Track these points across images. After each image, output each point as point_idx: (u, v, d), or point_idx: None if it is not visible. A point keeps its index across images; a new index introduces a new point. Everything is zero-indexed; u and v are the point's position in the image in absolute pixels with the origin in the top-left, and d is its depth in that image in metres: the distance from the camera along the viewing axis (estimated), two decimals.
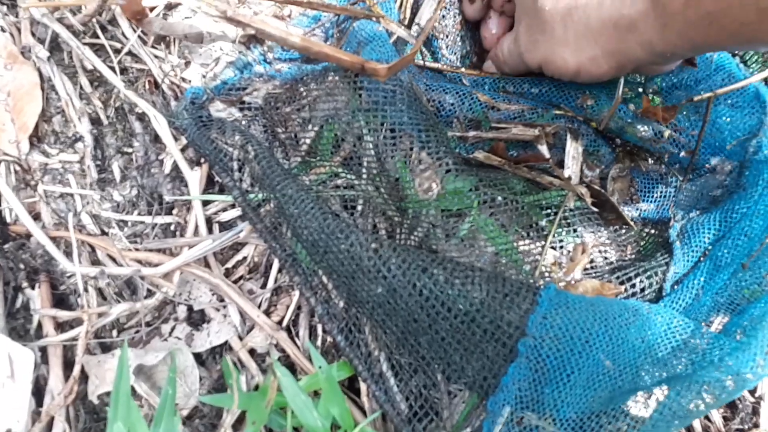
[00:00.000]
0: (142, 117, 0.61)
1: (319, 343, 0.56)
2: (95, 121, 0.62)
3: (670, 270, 0.55)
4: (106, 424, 0.52)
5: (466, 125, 0.60)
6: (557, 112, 0.58)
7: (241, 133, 0.58)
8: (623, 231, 0.61)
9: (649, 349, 0.49)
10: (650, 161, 0.61)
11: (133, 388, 0.52)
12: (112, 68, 0.62)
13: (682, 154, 0.58)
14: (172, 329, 0.57)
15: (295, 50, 0.57)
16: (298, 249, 0.56)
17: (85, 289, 0.55)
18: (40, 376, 0.53)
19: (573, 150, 0.57)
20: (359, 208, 0.58)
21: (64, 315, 0.54)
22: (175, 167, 0.60)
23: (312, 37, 0.63)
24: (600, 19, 0.47)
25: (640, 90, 0.62)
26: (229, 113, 0.61)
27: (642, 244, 0.60)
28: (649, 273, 0.55)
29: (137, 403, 0.50)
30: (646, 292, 0.55)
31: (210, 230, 0.59)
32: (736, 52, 0.63)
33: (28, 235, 0.57)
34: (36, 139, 0.61)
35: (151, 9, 0.63)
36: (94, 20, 0.63)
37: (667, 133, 0.56)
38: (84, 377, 0.53)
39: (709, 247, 0.55)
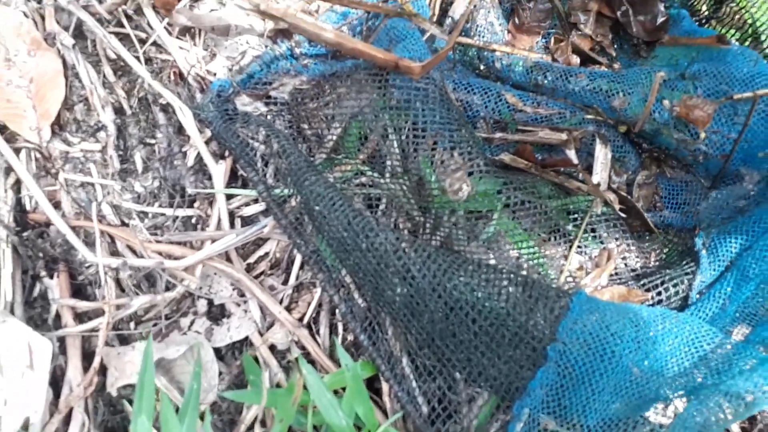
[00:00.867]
0: (166, 108, 0.61)
1: (339, 341, 0.55)
2: (118, 111, 0.61)
3: (697, 278, 0.54)
4: (124, 416, 0.51)
5: (492, 126, 0.60)
6: (588, 116, 0.58)
7: (267, 127, 0.58)
8: (647, 238, 0.61)
9: (675, 358, 0.49)
10: (676, 168, 0.61)
11: None
12: (137, 58, 0.62)
13: (718, 157, 0.57)
14: (192, 323, 0.56)
15: (329, 46, 0.57)
16: (322, 246, 0.55)
17: (105, 281, 0.54)
18: (57, 367, 0.52)
19: (602, 156, 0.57)
20: (382, 206, 0.58)
21: (83, 305, 0.53)
22: (199, 160, 0.60)
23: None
24: None
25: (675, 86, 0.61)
26: (254, 107, 0.60)
27: (666, 251, 0.60)
28: (675, 281, 0.54)
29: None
30: (672, 300, 0.55)
31: (232, 224, 0.58)
32: None
33: (48, 224, 0.57)
34: (58, 126, 0.60)
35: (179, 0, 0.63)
36: (119, 9, 0.62)
37: (703, 134, 0.55)
38: (102, 369, 0.52)
39: (736, 257, 0.55)
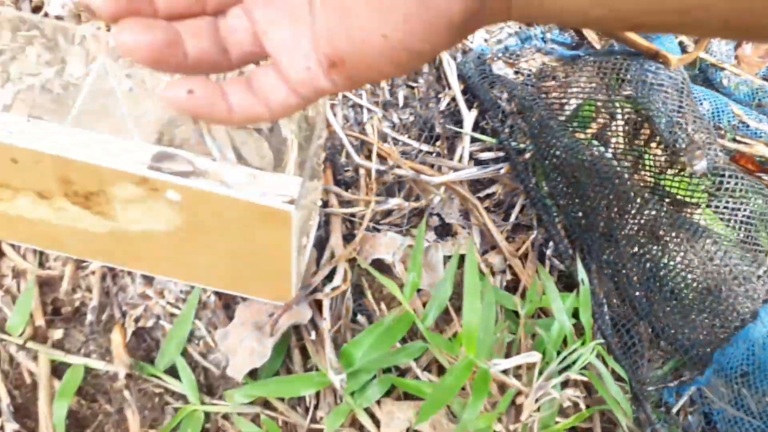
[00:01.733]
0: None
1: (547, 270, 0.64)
2: None
3: None
4: (373, 281, 0.61)
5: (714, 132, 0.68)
6: None
7: (514, 89, 0.69)
8: None
9: None
10: None
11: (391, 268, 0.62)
12: None
13: None
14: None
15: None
16: (545, 192, 0.64)
17: (365, 181, 0.66)
18: (319, 236, 0.64)
19: None
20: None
21: (347, 195, 0.65)
22: (450, 106, 0.71)
23: None
24: None
25: None
26: (505, 72, 0.71)
27: None
28: None
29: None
30: None
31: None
32: None
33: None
34: None
35: None
36: None
37: None
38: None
39: None
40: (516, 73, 0.72)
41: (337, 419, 0.50)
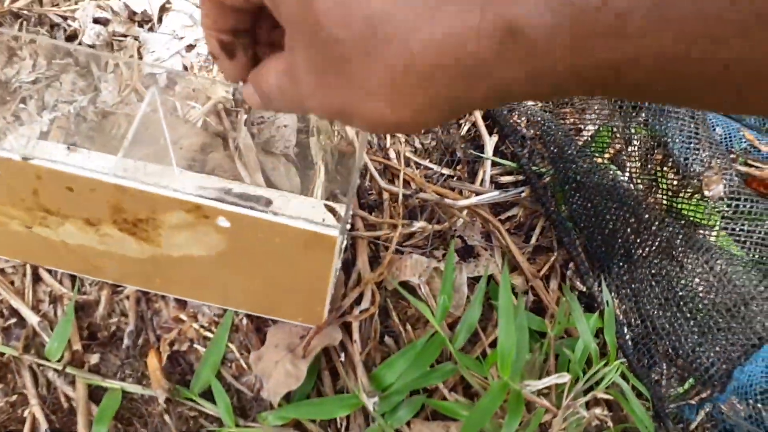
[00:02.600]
0: None
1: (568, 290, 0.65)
2: None
3: None
4: (400, 303, 0.63)
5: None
6: None
7: (532, 116, 0.71)
8: None
9: None
10: None
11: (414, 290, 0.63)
12: None
13: None
14: (444, 255, 0.68)
15: None
16: (564, 214, 0.66)
17: (390, 204, 0.68)
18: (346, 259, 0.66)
19: None
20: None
21: (371, 219, 0.67)
22: (469, 131, 0.73)
23: None
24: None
25: None
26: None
27: None
28: None
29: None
30: None
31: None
32: None
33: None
34: None
35: None
36: None
37: None
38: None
39: None
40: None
41: None
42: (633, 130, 0.69)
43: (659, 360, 0.62)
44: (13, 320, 0.57)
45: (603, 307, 0.62)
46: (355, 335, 0.57)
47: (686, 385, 0.62)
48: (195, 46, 0.75)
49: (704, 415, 0.63)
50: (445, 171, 0.72)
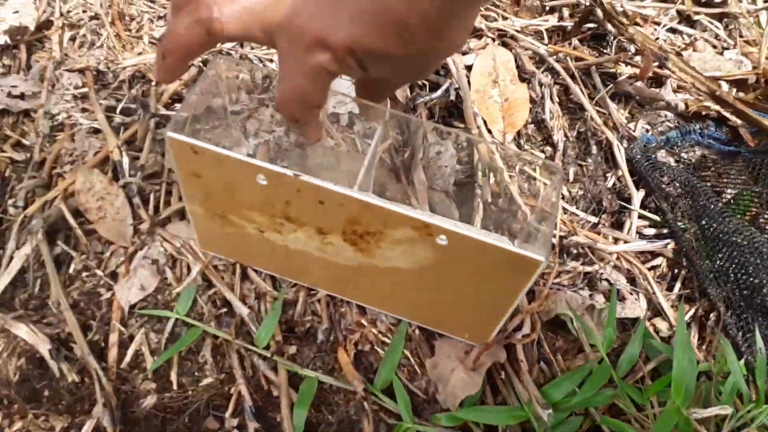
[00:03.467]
0: (600, 142, 0.83)
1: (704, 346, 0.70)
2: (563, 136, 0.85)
3: None
4: (550, 333, 0.70)
5: None
6: None
7: (676, 174, 0.77)
8: None
9: None
10: None
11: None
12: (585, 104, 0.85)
13: None
14: (590, 296, 0.74)
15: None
16: (707, 268, 0.72)
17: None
18: None
19: None
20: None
21: None
22: (615, 184, 0.80)
23: None
24: None
25: None
26: (668, 160, 0.80)
27: None
28: None
29: None
30: None
31: None
32: None
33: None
34: (518, 135, 0.85)
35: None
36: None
37: None
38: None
39: None
40: (677, 161, 0.80)
41: None
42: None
43: None
44: (224, 310, 0.67)
45: (746, 356, 0.66)
46: (521, 355, 0.63)
47: None
48: None
49: None
50: (591, 218, 0.79)
